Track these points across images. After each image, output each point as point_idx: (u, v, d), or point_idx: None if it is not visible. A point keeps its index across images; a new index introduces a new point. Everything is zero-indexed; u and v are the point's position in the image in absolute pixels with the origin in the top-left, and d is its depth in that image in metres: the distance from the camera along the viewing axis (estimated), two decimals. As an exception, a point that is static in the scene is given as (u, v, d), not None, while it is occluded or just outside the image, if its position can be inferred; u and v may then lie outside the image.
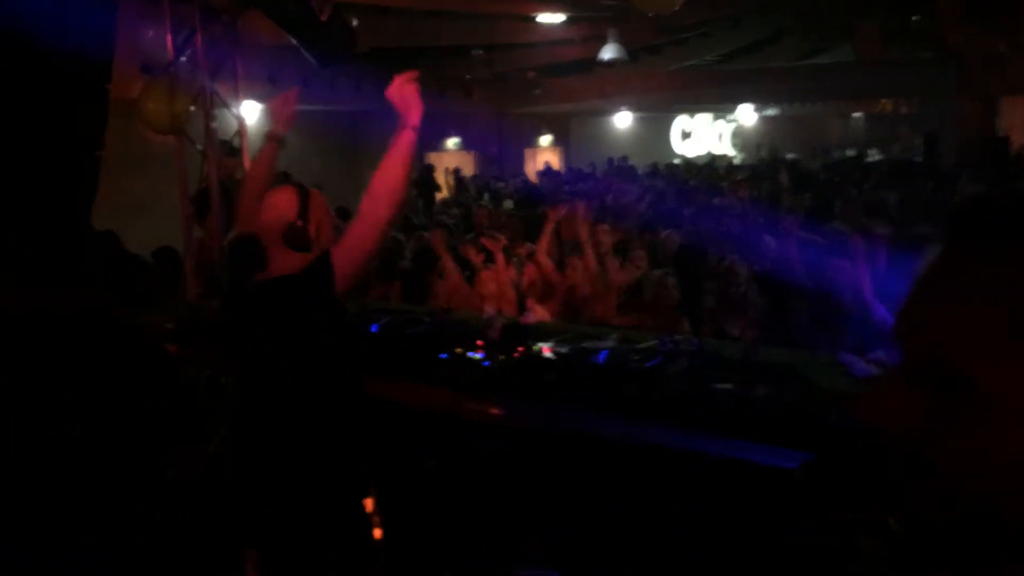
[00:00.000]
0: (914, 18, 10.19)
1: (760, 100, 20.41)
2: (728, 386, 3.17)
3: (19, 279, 4.14)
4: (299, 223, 2.53)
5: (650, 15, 4.56)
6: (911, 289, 0.71)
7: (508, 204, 11.08)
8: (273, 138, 3.10)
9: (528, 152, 18.25)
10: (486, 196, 12.72)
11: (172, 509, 3.95)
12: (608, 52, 10.42)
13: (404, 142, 2.59)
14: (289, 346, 2.49)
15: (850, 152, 21.13)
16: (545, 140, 18.76)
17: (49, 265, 4.28)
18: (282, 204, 2.59)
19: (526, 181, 14.02)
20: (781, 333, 4.52)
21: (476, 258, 6.05)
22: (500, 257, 5.82)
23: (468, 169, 15.83)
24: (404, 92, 2.56)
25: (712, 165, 18.97)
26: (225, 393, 4.65)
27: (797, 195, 9.14)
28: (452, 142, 16.13)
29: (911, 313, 0.70)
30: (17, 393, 3.74)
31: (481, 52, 11.95)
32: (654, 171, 15.24)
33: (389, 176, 2.52)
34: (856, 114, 27.72)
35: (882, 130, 26.76)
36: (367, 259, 2.58)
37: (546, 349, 3.63)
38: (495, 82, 13.57)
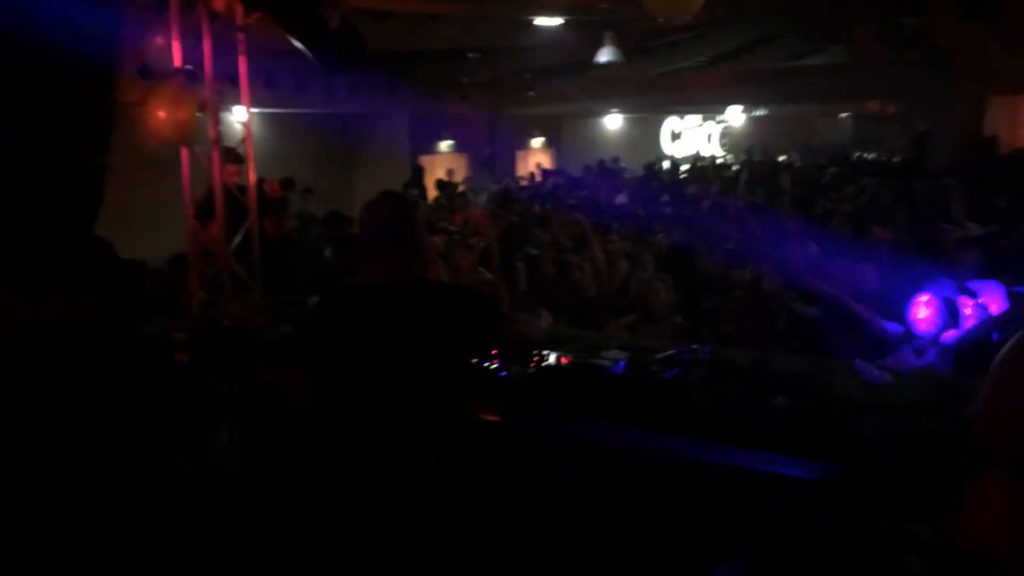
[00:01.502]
0: (908, 19, 10.26)
1: (750, 102, 20.47)
2: (749, 397, 3.17)
3: (27, 287, 4.11)
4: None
5: (660, 21, 4.55)
6: (992, 375, 0.66)
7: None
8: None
9: (520, 154, 18.24)
10: (481, 197, 12.72)
11: (190, 517, 3.93)
12: (604, 55, 10.43)
13: None
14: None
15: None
16: (537, 142, 18.77)
17: (55, 273, 4.24)
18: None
19: (507, 184, 14.05)
20: (793, 339, 4.54)
21: (465, 260, 6.03)
22: (495, 260, 5.78)
23: (460, 171, 15.80)
24: None
25: (697, 165, 19.01)
26: (228, 400, 4.63)
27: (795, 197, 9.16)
28: (445, 144, 16.10)
29: (995, 401, 0.65)
30: (29, 403, 3.71)
31: (478, 55, 11.94)
32: (649, 172, 15.27)
33: None
34: (843, 114, 27.85)
35: (869, 130, 26.89)
36: None
37: (563, 359, 3.62)
38: (490, 84, 13.55)
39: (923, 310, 4.13)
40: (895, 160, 17.25)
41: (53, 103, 3.98)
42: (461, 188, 13.49)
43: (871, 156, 20.12)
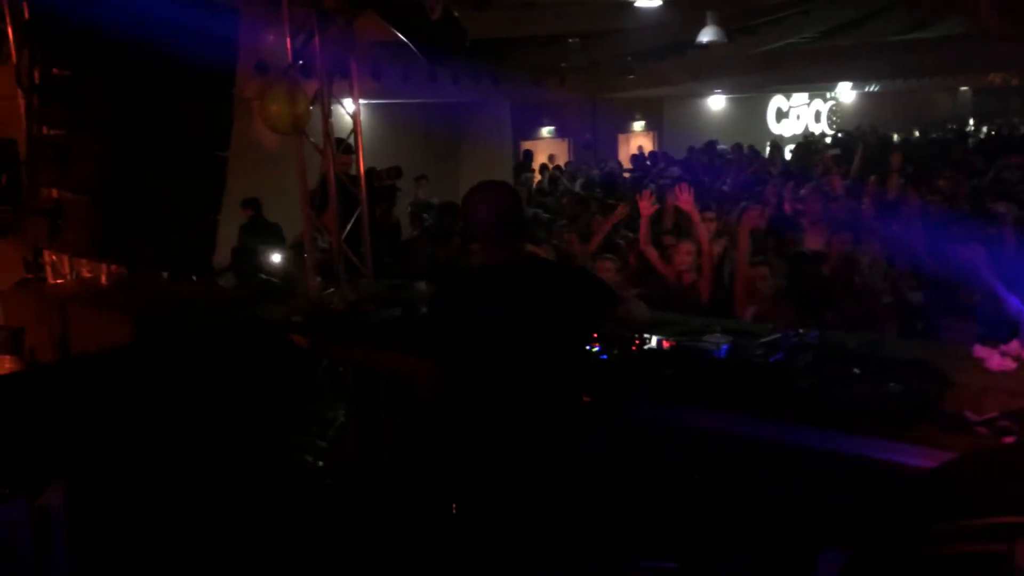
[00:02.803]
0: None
1: (862, 78, 19.63)
2: (859, 382, 3.11)
3: (160, 272, 4.41)
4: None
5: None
6: None
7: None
8: None
9: (621, 137, 18.10)
10: (577, 183, 12.74)
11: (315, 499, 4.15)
12: (707, 35, 10.22)
13: None
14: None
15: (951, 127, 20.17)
16: (638, 125, 18.57)
17: (186, 260, 4.53)
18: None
19: (611, 169, 13.97)
20: (904, 324, 4.39)
21: (575, 246, 6.06)
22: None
23: (562, 156, 15.83)
24: None
25: (805, 144, 18.41)
26: (342, 381, 4.84)
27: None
28: (546, 130, 16.15)
29: None
30: (163, 381, 3.99)
31: (577, 40, 11.89)
32: (739, 150, 14.91)
33: None
34: (963, 88, 26.40)
35: (991, 104, 25.47)
36: None
37: (665, 343, 3.62)
38: (589, 69, 13.48)
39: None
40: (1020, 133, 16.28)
41: (185, 103, 4.24)
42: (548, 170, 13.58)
43: (994, 131, 18.99)
